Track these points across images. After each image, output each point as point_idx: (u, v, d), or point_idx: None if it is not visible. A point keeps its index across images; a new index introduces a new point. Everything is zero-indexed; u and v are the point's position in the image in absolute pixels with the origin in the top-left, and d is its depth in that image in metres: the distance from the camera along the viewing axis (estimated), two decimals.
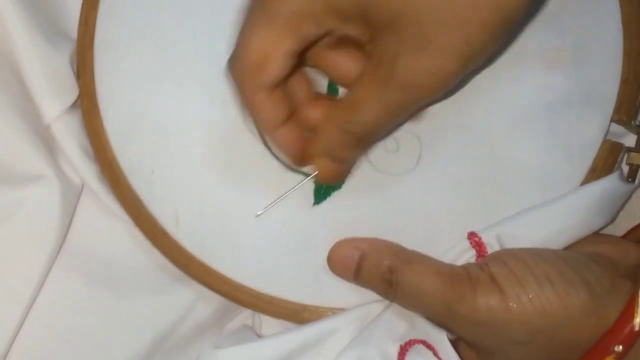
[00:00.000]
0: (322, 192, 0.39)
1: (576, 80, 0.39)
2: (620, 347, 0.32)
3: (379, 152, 0.39)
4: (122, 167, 0.40)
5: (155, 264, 0.41)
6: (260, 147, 0.40)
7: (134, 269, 0.42)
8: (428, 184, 0.39)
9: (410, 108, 0.34)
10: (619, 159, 0.39)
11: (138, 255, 0.42)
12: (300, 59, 0.35)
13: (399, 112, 0.34)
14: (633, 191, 0.40)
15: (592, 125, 0.39)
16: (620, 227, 0.41)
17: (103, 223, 0.42)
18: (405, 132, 0.39)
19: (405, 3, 0.31)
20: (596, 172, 0.39)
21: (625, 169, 0.40)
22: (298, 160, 0.37)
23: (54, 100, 0.40)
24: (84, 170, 0.40)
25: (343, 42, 0.35)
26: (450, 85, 0.33)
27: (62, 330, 0.41)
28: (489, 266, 0.34)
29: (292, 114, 0.36)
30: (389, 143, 0.40)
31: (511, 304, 0.33)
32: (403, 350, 0.36)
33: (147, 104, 0.40)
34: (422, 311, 0.36)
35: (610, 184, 0.37)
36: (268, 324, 0.42)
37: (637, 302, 0.32)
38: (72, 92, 0.41)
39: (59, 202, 0.40)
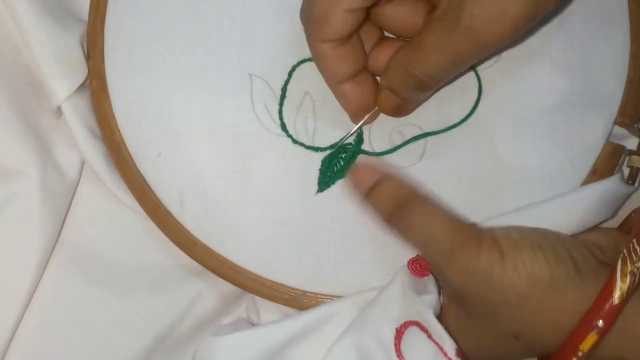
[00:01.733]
0: (325, 180, 0.40)
1: (581, 82, 0.39)
2: (601, 322, 0.33)
3: (384, 144, 0.40)
4: (129, 150, 0.40)
5: (155, 262, 0.42)
6: (267, 134, 0.40)
7: (134, 268, 0.42)
8: (430, 179, 0.39)
9: (474, 56, 0.34)
10: (620, 162, 0.40)
11: (138, 253, 0.42)
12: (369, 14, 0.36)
13: (462, 59, 0.34)
14: (631, 194, 0.40)
15: (595, 127, 0.39)
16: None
17: (103, 220, 0.42)
18: (411, 127, 0.40)
19: None
20: (597, 173, 0.39)
21: (626, 171, 0.40)
22: (356, 117, 0.39)
23: (64, 79, 0.40)
24: (91, 151, 0.41)
25: None
26: (518, 31, 0.32)
27: (62, 328, 0.41)
28: (492, 230, 0.36)
29: (359, 71, 0.37)
30: (393, 135, 0.40)
31: (507, 263, 0.34)
32: (399, 333, 0.37)
33: (155, 87, 0.40)
34: (424, 249, 0.37)
35: (610, 185, 0.38)
36: (266, 313, 0.42)
37: (616, 277, 0.33)
38: (81, 72, 0.41)
39: (49, 197, 0.40)
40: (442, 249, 0.35)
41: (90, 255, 0.42)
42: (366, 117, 0.39)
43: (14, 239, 0.40)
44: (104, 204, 0.42)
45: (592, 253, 0.35)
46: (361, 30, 0.37)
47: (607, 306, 0.33)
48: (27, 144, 0.40)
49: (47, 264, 0.41)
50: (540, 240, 0.35)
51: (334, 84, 0.37)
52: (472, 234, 0.35)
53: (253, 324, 0.43)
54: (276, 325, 0.38)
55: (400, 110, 0.38)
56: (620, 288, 0.32)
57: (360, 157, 0.40)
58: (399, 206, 0.36)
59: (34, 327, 0.40)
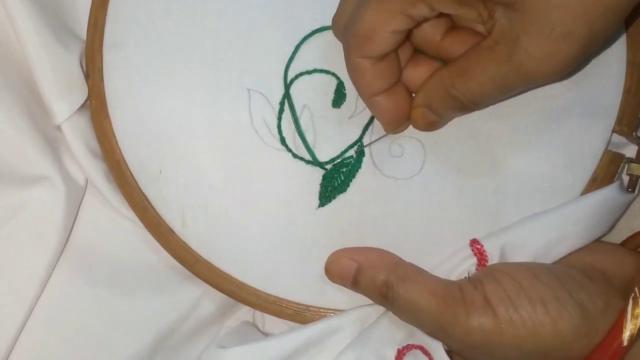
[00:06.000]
0: (327, 194, 0.40)
1: (578, 90, 0.39)
2: None
3: (384, 156, 0.40)
4: (130, 168, 0.40)
5: (157, 264, 0.42)
6: (267, 149, 0.40)
7: (136, 269, 0.42)
8: (431, 190, 0.40)
9: (520, 88, 0.35)
10: (619, 170, 0.40)
11: (140, 256, 0.42)
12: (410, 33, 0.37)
13: (508, 89, 0.34)
14: (632, 201, 0.40)
15: (594, 136, 0.39)
16: (620, 226, 0.42)
17: (106, 223, 0.42)
18: (410, 138, 0.40)
19: None
20: (597, 182, 0.39)
21: (626, 179, 0.40)
22: (389, 126, 0.39)
23: (64, 100, 0.40)
24: (91, 170, 0.41)
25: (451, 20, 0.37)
26: (568, 70, 0.33)
27: (65, 329, 0.41)
28: (484, 285, 0.35)
29: (394, 85, 0.37)
30: (393, 147, 0.40)
31: (504, 326, 0.34)
32: (400, 354, 0.37)
33: (155, 105, 0.40)
34: (417, 326, 0.37)
35: (610, 193, 0.38)
36: (271, 320, 0.43)
37: (626, 318, 0.33)
38: (81, 92, 0.41)
39: (63, 203, 0.40)
40: (432, 327, 0.35)
41: (92, 257, 0.42)
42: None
43: (25, 244, 0.40)
44: (107, 207, 0.42)
45: (599, 290, 0.34)
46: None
47: (615, 346, 0.32)
48: (41, 151, 0.40)
49: (54, 268, 0.41)
50: (541, 291, 0.34)
51: (368, 96, 0.37)
52: (458, 303, 0.35)
53: (261, 331, 0.43)
54: (280, 338, 0.39)
55: (434, 126, 0.38)
56: (630, 330, 0.32)
57: (330, 255, 0.39)
58: (384, 296, 0.37)
59: (37, 328, 0.41)
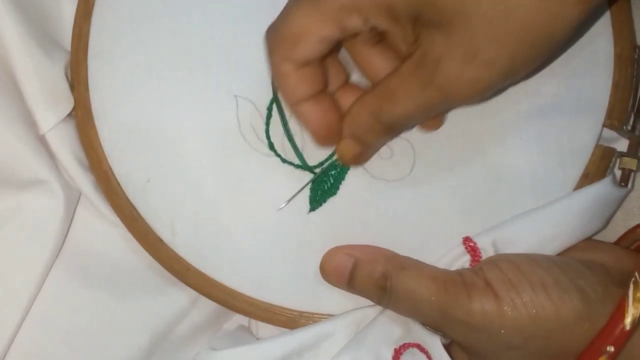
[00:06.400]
0: (317, 198, 0.40)
1: (566, 86, 0.39)
2: (612, 347, 0.32)
3: (373, 158, 0.39)
4: (117, 178, 0.40)
5: (153, 266, 0.41)
6: (255, 154, 0.40)
7: (131, 271, 0.42)
8: (422, 191, 0.39)
9: (443, 109, 0.36)
10: (611, 164, 0.39)
11: (136, 257, 0.42)
12: (339, 46, 0.37)
13: (431, 111, 0.34)
14: (626, 196, 0.40)
15: (584, 131, 0.39)
16: (618, 226, 0.41)
17: (101, 225, 0.42)
18: (399, 139, 0.40)
19: (460, 10, 0.31)
20: (589, 177, 0.39)
21: (618, 173, 0.40)
22: (319, 138, 0.38)
23: (50, 111, 0.40)
24: (80, 179, 0.41)
25: (380, 37, 0.36)
26: (486, 95, 0.34)
27: (60, 331, 0.41)
28: (484, 271, 0.35)
29: (319, 94, 0.36)
30: (382, 150, 0.40)
31: (506, 308, 0.33)
32: (397, 353, 0.37)
33: (142, 114, 0.40)
34: (417, 316, 0.36)
35: (603, 188, 0.38)
36: (265, 326, 0.42)
37: (627, 302, 0.32)
38: (67, 102, 0.41)
39: (61, 207, 0.40)
40: (433, 313, 0.35)
41: (88, 259, 0.42)
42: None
43: (22, 246, 0.40)
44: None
45: (599, 279, 0.34)
46: (329, 68, 0.37)
47: (617, 331, 0.32)
48: (38, 155, 0.40)
49: (50, 270, 0.41)
50: (542, 275, 0.34)
51: (293, 103, 0.36)
52: (459, 286, 0.34)
53: (254, 336, 0.42)
54: (274, 341, 0.38)
55: (360, 158, 0.38)
56: (632, 314, 0.32)
57: (326, 253, 0.39)
58: (381, 289, 0.36)
59: (32, 330, 0.41)
